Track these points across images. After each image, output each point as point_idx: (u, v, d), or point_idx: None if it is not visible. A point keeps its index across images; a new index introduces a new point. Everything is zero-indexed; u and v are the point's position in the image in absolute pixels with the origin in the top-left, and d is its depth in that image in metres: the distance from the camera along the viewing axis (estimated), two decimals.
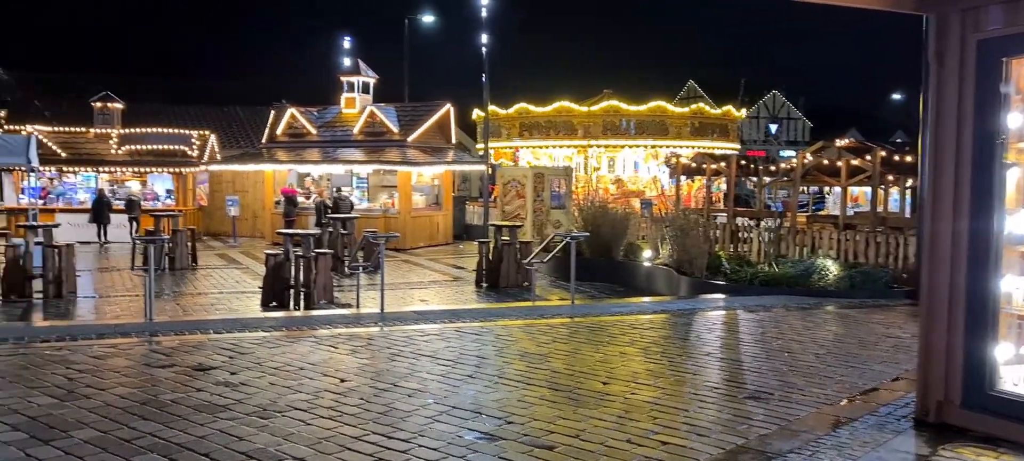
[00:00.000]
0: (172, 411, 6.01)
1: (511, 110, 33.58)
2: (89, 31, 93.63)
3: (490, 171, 28.63)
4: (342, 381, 7.04)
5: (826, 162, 21.06)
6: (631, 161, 33.39)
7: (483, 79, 26.37)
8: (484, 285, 15.50)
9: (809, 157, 22.36)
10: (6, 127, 29.92)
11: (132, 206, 24.25)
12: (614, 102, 32.32)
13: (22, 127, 27.15)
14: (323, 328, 9.89)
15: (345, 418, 5.96)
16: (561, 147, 32.97)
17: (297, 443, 5.37)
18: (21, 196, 26.48)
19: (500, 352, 8.51)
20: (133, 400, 6.27)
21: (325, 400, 6.41)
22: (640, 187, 32.19)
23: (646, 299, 13.66)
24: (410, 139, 24.82)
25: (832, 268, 13.63)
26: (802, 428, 5.92)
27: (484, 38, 25.84)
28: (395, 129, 25.08)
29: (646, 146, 32.32)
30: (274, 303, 13.01)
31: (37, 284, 13.98)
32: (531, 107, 33.01)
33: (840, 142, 26.37)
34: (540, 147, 33.40)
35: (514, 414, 6.14)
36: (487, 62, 25.91)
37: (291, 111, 26.70)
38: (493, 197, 25.58)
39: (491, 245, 16.07)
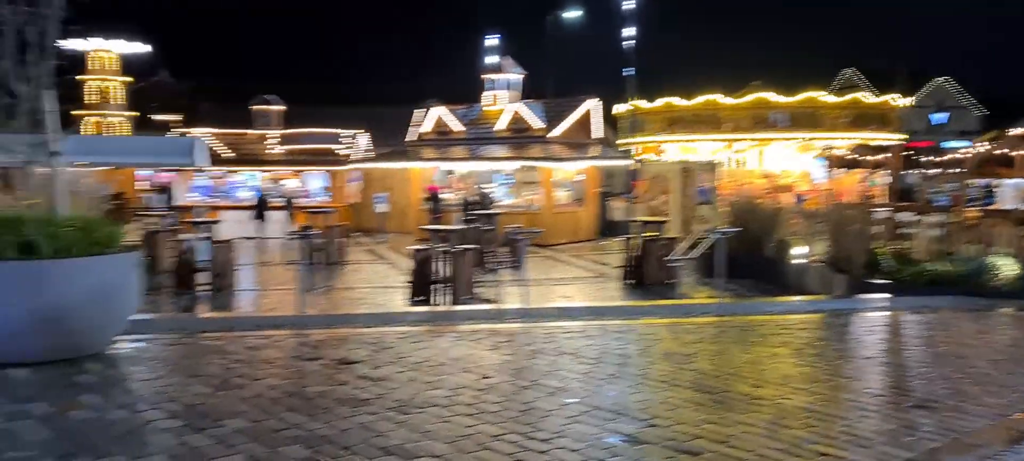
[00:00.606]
0: (317, 403, 6.12)
1: (657, 104, 32.98)
2: (253, 39, 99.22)
3: (635, 166, 28.20)
4: (482, 377, 6.98)
5: (1002, 152, 19.47)
6: (781, 154, 32.09)
7: (628, 73, 25.99)
8: (628, 282, 15.22)
9: (982, 146, 20.74)
10: (179, 130, 32.08)
11: (290, 203, 25.37)
12: (763, 94, 31.13)
13: (192, 129, 29.00)
14: (465, 324, 9.93)
15: (484, 415, 5.88)
16: (708, 141, 32.10)
17: (435, 440, 5.33)
18: (190, 194, 28.29)
19: (644, 351, 8.25)
20: (281, 391, 6.43)
21: (464, 396, 6.37)
22: (791, 181, 30.88)
23: (798, 298, 13.01)
24: (553, 135, 24.77)
25: (1009, 267, 12.52)
26: (977, 442, 5.38)
27: (629, 31, 25.46)
28: (538, 126, 25.10)
29: (797, 139, 30.98)
30: (419, 298, 13.21)
31: (203, 277, 14.79)
32: (677, 101, 32.30)
33: (1016, 131, 24.34)
34: (686, 141, 32.64)
35: (658, 416, 5.89)
36: (632, 56, 25.53)
37: (438, 110, 27.23)
38: (637, 193, 25.19)
39: (635, 241, 15.76)
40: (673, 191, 21.35)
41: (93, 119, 45.63)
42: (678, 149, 33.07)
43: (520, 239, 13.14)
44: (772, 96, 30.85)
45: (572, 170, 25.41)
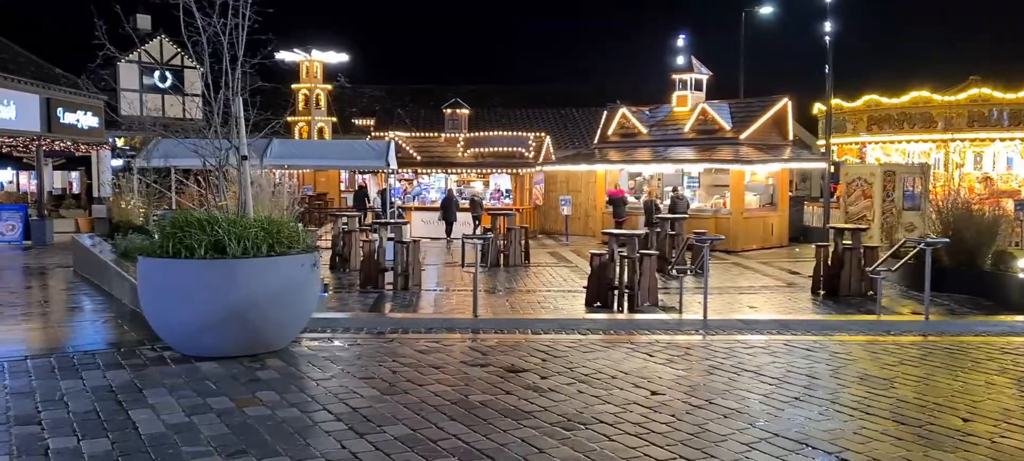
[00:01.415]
0: (479, 413, 5.97)
1: (858, 102, 30.90)
2: (446, 44, 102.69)
3: (832, 169, 26.52)
4: (653, 394, 6.59)
5: None
6: (1003, 156, 29.11)
7: (826, 70, 24.46)
8: (821, 293, 14.19)
9: None
10: (373, 134, 33.53)
11: (475, 205, 25.76)
12: (983, 89, 28.38)
13: (386, 133, 30.20)
14: (641, 334, 9.53)
15: (652, 436, 5.51)
16: (917, 142, 29.69)
17: None
18: (377, 197, 29.43)
19: (835, 372, 7.54)
20: (445, 399, 6.34)
21: (633, 414, 6.02)
22: (1015, 186, 27.93)
23: (1021, 318, 11.58)
24: (743, 136, 23.70)
25: None
26: None
27: (827, 26, 23.96)
28: (727, 126, 24.11)
29: (1020, 139, 27.98)
30: (598, 304, 12.91)
31: (389, 276, 15.21)
32: (881, 98, 30.10)
33: None
34: (891, 142, 30.36)
35: (849, 449, 5.29)
36: (830, 52, 24.00)
37: (622, 111, 26.80)
38: (835, 197, 23.63)
39: (831, 249, 14.68)
40: (874, 196, 19.83)
41: (301, 124, 48.78)
42: (881, 150, 30.84)
43: (705, 245, 12.54)
44: (993, 92, 28.05)
45: (763, 173, 24.23)
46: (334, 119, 50.45)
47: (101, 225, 21.39)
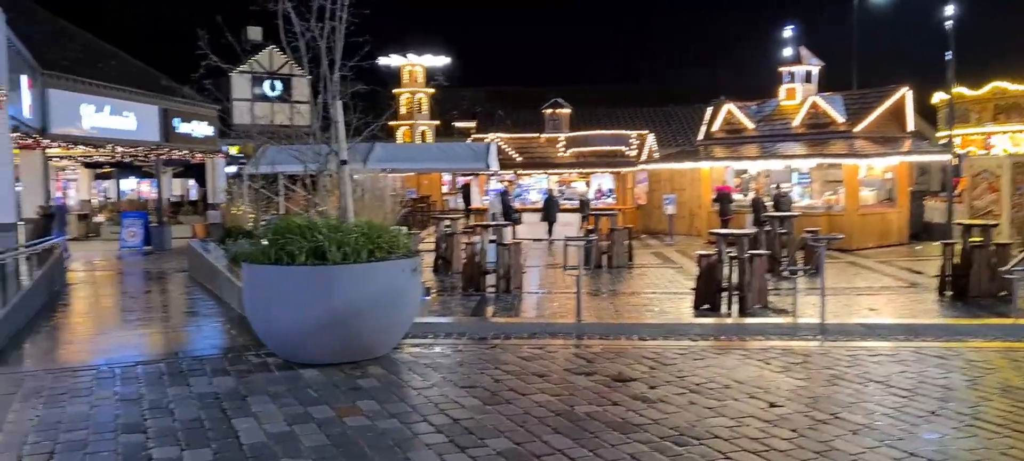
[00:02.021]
0: (585, 425, 5.68)
1: (982, 90, 29.11)
2: (548, 45, 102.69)
3: (955, 161, 25.03)
4: (771, 406, 6.16)
5: None
6: None
7: (947, 57, 23.10)
8: (948, 294, 13.28)
9: None
10: (474, 136, 33.64)
11: (584, 205, 25.31)
12: None
13: (486, 135, 30.23)
14: (754, 339, 9.05)
15: (772, 454, 5.11)
16: None
17: None
18: (484, 198, 29.47)
19: (973, 383, 6.92)
20: (549, 410, 6.08)
21: (750, 428, 5.61)
22: None
23: None
24: (858, 129, 22.61)
25: None
26: None
27: (949, 9, 22.61)
28: (840, 119, 23.05)
29: None
30: (706, 306, 12.42)
31: (491, 279, 15.08)
32: (1008, 86, 28.26)
33: None
34: (1020, 132, 28.47)
35: None
36: (952, 37, 22.64)
37: (727, 107, 26.00)
38: (958, 191, 22.27)
39: (957, 247, 13.73)
40: (1002, 189, 18.54)
41: (404, 128, 49.52)
42: (1009, 141, 28.96)
43: (819, 244, 11.89)
44: None
45: (880, 167, 23.04)
46: (437, 123, 51.03)
47: (215, 231, 22.08)
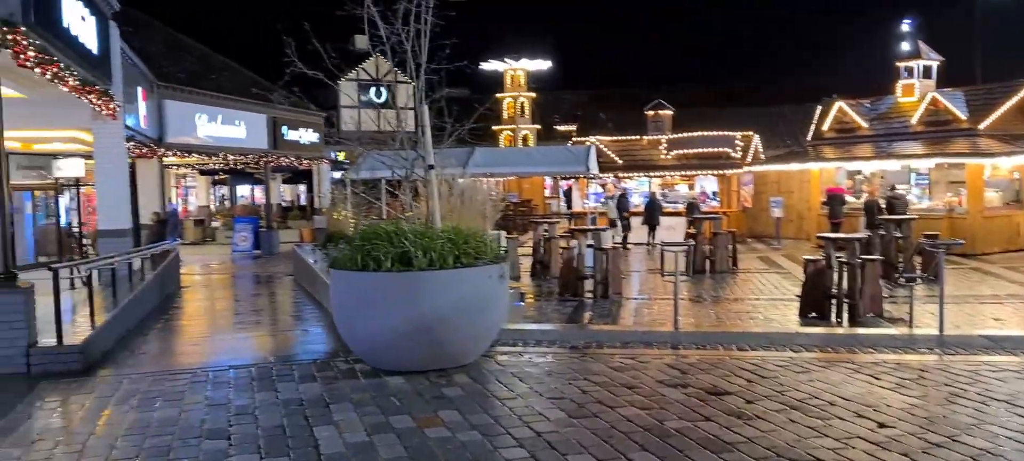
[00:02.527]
0: (673, 443, 5.36)
1: None
2: (647, 45, 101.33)
3: None
4: (880, 426, 5.69)
5: None
6: None
7: None
8: None
9: None
10: (574, 139, 33.36)
11: (693, 208, 24.58)
12: None
13: (586, 138, 29.91)
14: (864, 351, 8.49)
15: None
16: None
17: None
18: (586, 201, 29.15)
19: None
20: (637, 424, 5.78)
21: (856, 451, 5.17)
22: None
23: None
24: (982, 127, 21.25)
25: None
26: None
27: None
28: (962, 116, 21.72)
29: None
30: (813, 314, 11.79)
31: (588, 284, 14.80)
32: None
33: None
34: None
35: None
36: None
37: (839, 105, 24.89)
38: None
39: None
40: None
41: (506, 132, 49.73)
42: None
43: (938, 248, 11.11)
44: None
45: (1006, 166, 21.57)
46: (538, 127, 51.00)
47: (320, 236, 22.55)
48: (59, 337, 8.08)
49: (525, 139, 49.90)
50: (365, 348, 7.76)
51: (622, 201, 25.00)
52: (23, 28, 8.11)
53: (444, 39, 7.88)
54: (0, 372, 7.99)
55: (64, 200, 23.50)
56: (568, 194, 34.54)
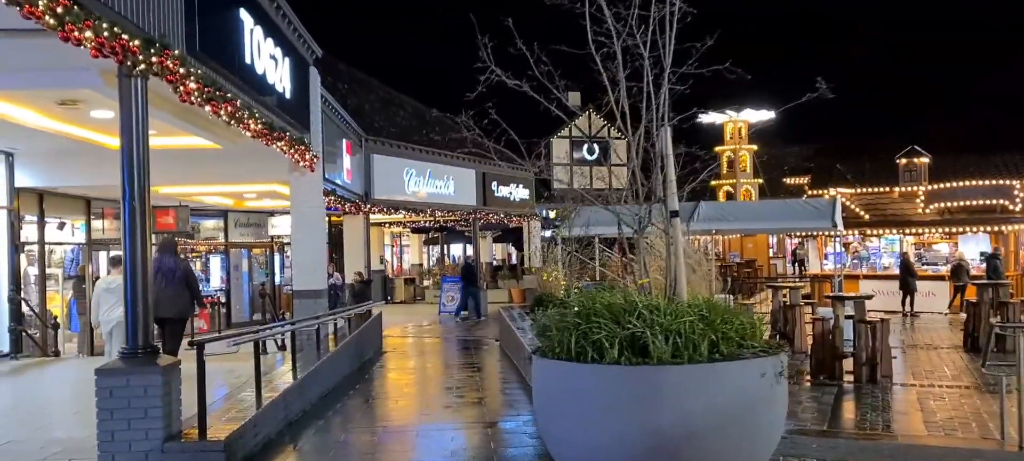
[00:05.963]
0: None
1: None
2: (886, 91, 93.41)
3: None
4: None
5: None
6: None
7: None
8: None
9: None
10: (809, 192, 29.99)
11: (959, 272, 20.63)
12: None
13: (825, 191, 26.59)
14: None
15: None
16: None
17: None
18: (825, 261, 25.73)
19: None
20: None
21: None
22: None
23: None
24: None
25: None
26: None
27: None
28: None
29: None
30: None
31: (848, 363, 12.03)
32: None
33: None
34: None
35: None
36: None
37: None
38: None
39: None
40: None
41: (726, 187, 46.67)
42: None
43: None
44: None
45: None
46: (759, 181, 47.53)
47: (530, 296, 21.01)
48: (202, 429, 6.46)
49: (747, 194, 46.70)
50: None
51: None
52: (176, 52, 6.81)
53: (690, 41, 5.73)
54: None
55: (278, 258, 23.48)
56: (796, 253, 31.09)
